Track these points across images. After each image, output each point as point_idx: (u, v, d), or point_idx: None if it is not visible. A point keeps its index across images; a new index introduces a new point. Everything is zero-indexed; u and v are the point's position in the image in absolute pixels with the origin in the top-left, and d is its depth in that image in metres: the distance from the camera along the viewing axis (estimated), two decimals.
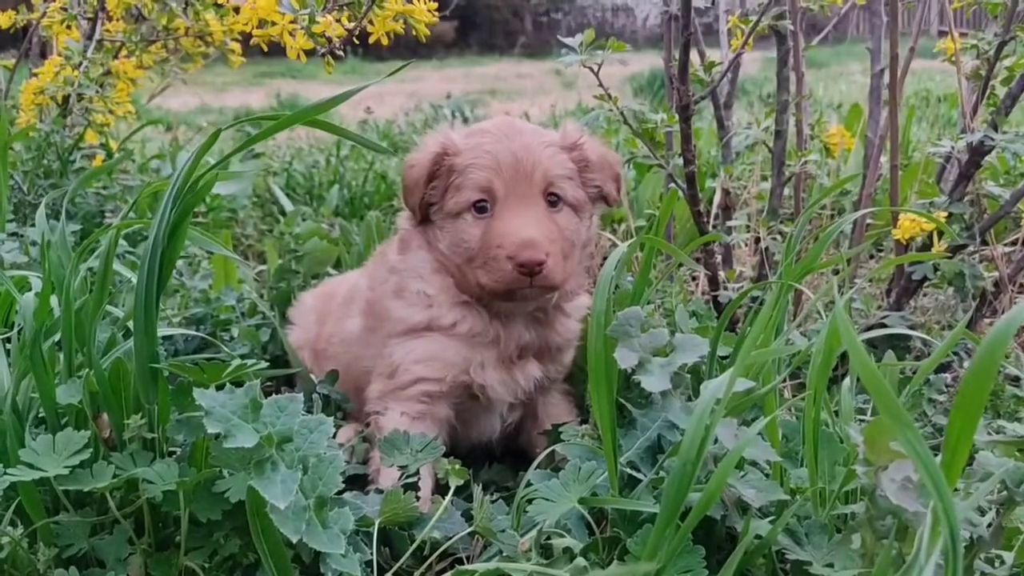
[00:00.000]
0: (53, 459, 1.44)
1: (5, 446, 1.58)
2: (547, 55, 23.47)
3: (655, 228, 2.00)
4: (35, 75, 3.58)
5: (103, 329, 1.71)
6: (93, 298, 1.56)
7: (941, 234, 2.56)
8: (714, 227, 3.08)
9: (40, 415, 1.69)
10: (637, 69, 13.30)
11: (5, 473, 1.41)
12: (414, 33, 2.16)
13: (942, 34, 3.06)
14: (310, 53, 2.00)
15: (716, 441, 1.43)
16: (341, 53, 1.80)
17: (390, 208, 4.68)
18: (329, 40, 1.77)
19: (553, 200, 1.89)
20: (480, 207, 1.87)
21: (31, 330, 1.46)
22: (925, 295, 3.10)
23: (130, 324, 1.75)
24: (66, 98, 3.48)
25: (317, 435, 1.41)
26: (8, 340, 1.77)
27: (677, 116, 2.38)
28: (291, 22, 1.95)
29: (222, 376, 1.49)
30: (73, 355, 1.62)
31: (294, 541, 1.32)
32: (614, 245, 2.95)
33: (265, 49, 2.02)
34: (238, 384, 1.43)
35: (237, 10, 3.60)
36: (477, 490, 1.63)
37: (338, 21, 1.88)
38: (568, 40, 2.43)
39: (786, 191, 2.97)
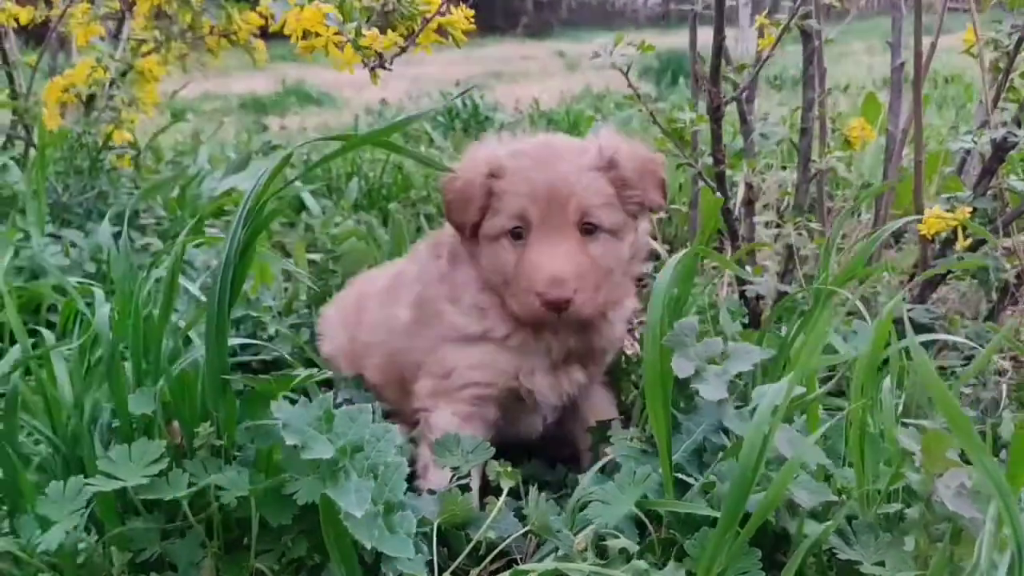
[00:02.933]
0: (130, 468, 1.49)
1: (76, 454, 1.64)
2: (549, 35, 23.40)
3: (702, 235, 2.04)
4: (56, 74, 3.62)
5: (166, 338, 1.76)
6: (160, 309, 1.62)
7: (964, 228, 2.60)
8: (736, 220, 3.13)
9: (107, 423, 1.75)
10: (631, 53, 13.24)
11: (86, 484, 1.47)
12: (451, 40, 2.19)
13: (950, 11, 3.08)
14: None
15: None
16: (391, 68, 1.84)
17: (408, 200, 4.72)
18: (380, 55, 1.81)
19: (589, 229, 1.90)
20: (516, 233, 1.91)
21: (109, 345, 1.51)
22: (947, 284, 3.14)
23: (190, 333, 1.81)
24: (91, 96, 3.52)
25: (385, 443, 1.47)
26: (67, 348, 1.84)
27: (708, 117, 2.42)
28: (335, 34, 1.98)
29: (290, 386, 1.54)
30: (140, 365, 1.67)
31: (368, 547, 1.38)
32: None
33: (310, 60, 2.06)
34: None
35: (255, 6, 3.65)
36: (533, 491, 1.69)
37: (384, 32, 1.91)
38: (598, 41, 2.47)
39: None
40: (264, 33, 3.83)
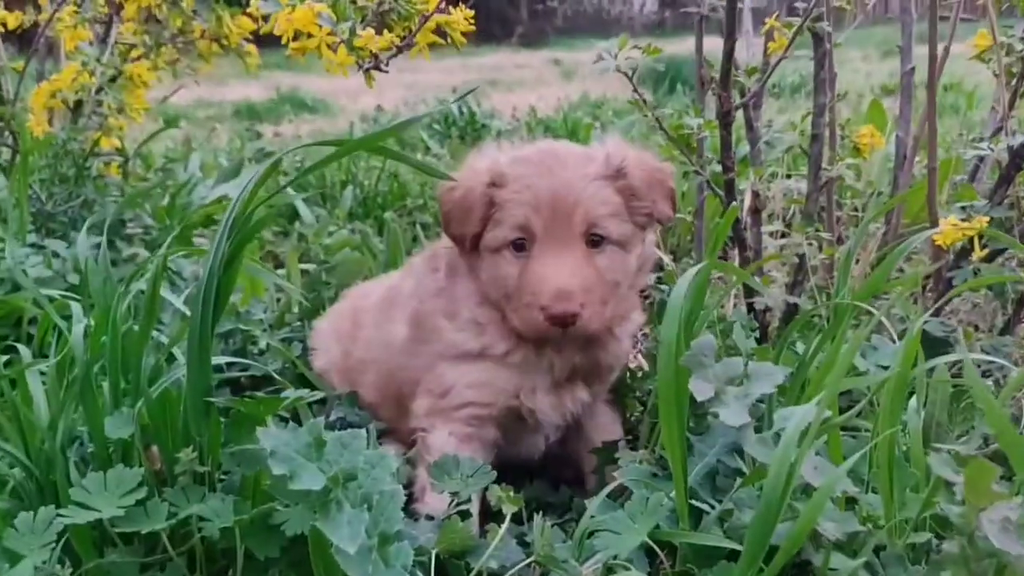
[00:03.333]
0: (105, 497, 1.39)
1: (51, 479, 1.54)
2: (544, 44, 23.32)
3: (712, 247, 1.94)
4: (44, 79, 3.52)
5: (146, 355, 1.66)
6: (141, 326, 1.52)
7: (980, 237, 2.52)
8: (742, 229, 3.04)
9: (83, 445, 1.65)
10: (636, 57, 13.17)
11: (58, 515, 1.37)
12: (449, 41, 2.10)
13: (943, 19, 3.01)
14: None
15: None
16: (387, 69, 1.74)
17: (403, 208, 4.63)
18: (375, 56, 1.71)
19: (595, 240, 1.80)
20: (518, 245, 1.81)
21: (84, 364, 1.41)
22: (958, 297, 3.05)
23: (173, 350, 1.71)
24: (79, 102, 3.42)
25: (379, 471, 1.37)
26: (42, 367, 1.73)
27: (717, 123, 2.33)
28: (329, 34, 1.88)
29: (278, 408, 1.44)
30: (119, 384, 1.57)
31: None
32: None
33: (302, 61, 1.97)
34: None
35: (246, 10, 3.56)
36: (537, 519, 1.59)
37: (380, 33, 1.82)
38: (602, 45, 2.39)
39: None
40: (259, 40, 3.74)
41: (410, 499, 1.90)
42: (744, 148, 3.25)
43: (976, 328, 2.86)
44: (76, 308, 1.66)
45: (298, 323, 2.65)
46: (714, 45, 2.61)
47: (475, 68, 17.56)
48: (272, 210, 1.37)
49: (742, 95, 2.40)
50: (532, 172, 1.80)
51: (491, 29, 25.43)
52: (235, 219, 1.33)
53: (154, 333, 1.84)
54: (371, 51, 1.76)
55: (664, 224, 1.91)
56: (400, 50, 1.68)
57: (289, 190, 4.10)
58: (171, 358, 1.74)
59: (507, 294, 1.82)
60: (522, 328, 1.81)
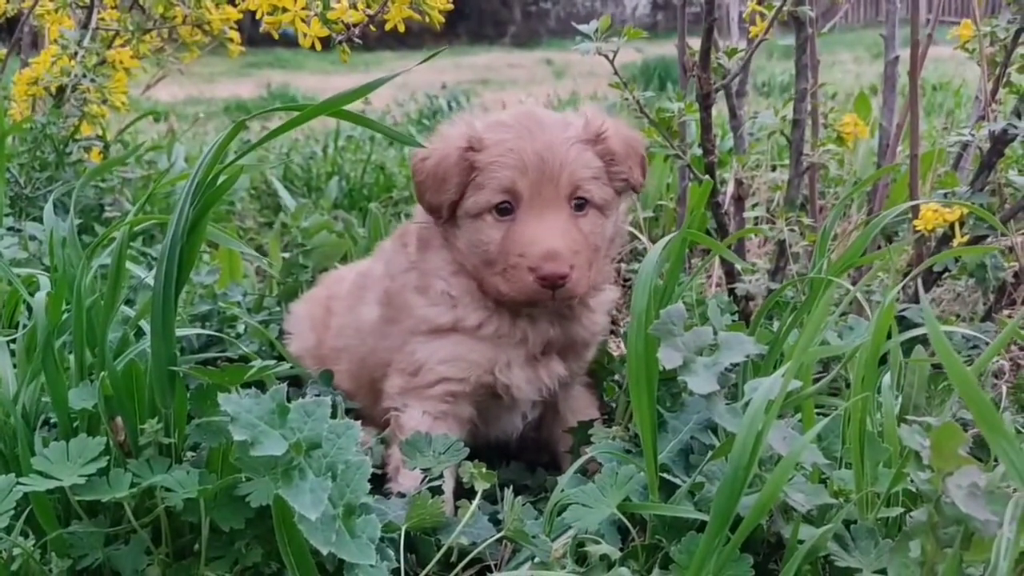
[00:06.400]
0: (67, 467, 1.37)
1: (15, 453, 1.52)
2: (537, 45, 23.32)
3: (689, 223, 1.93)
4: (27, 65, 3.49)
5: (114, 329, 1.64)
6: (106, 297, 1.49)
7: (962, 224, 2.51)
8: (725, 215, 3.02)
9: (48, 418, 1.63)
10: (628, 58, 13.14)
11: (18, 483, 1.35)
12: (427, 20, 2.09)
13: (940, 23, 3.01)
14: (323, 40, 1.93)
15: None
16: (359, 40, 1.73)
17: (389, 200, 4.61)
18: (348, 27, 1.70)
19: (579, 204, 1.80)
20: (502, 209, 1.79)
21: (44, 331, 1.39)
22: (940, 285, 3.05)
23: (141, 323, 1.69)
24: (60, 89, 3.39)
25: (345, 440, 1.35)
26: (11, 340, 1.71)
27: (697, 105, 2.32)
28: (303, 8, 1.87)
29: (244, 378, 1.42)
30: (84, 356, 1.55)
31: (324, 553, 1.27)
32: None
33: (276, 37, 1.96)
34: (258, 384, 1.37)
35: (232, 1, 3.53)
36: (508, 494, 1.58)
37: (354, 7, 1.81)
38: (583, 27, 2.38)
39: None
40: (249, 40, 3.72)
41: (384, 480, 1.89)
42: (729, 141, 3.25)
43: (957, 317, 2.85)
44: (44, 281, 1.64)
45: (276, 307, 2.63)
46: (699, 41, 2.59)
47: (467, 68, 17.54)
48: (237, 171, 1.34)
49: (723, 79, 2.38)
50: (513, 135, 1.79)
51: (484, 30, 25.43)
52: (199, 182, 1.31)
53: (123, 309, 1.82)
54: (344, 23, 1.74)
55: (637, 191, 1.91)
56: (372, 20, 1.66)
57: (272, 176, 4.08)
58: (140, 333, 1.72)
59: (489, 259, 1.80)
60: (509, 291, 1.78)
